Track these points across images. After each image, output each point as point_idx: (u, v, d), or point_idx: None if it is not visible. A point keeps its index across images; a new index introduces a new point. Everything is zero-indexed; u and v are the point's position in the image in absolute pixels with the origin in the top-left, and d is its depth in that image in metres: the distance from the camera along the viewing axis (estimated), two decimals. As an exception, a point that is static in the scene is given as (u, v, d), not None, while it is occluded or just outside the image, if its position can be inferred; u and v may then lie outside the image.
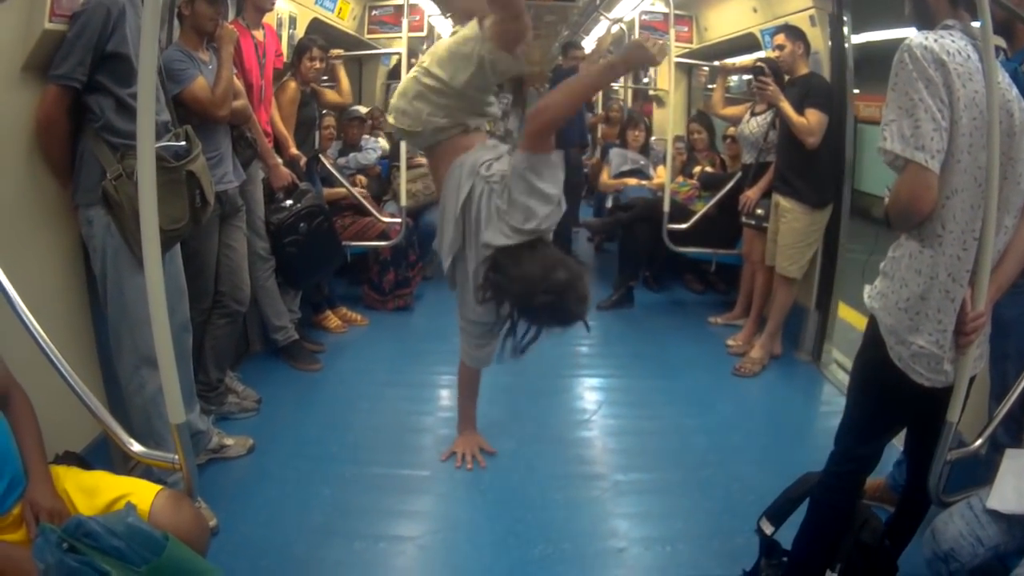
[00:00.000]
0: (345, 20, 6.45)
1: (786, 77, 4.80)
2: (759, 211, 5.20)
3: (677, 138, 6.97)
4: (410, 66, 5.20)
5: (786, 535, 2.69)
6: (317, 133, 5.42)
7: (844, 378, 4.51)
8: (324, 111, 5.77)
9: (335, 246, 5.03)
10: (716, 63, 6.24)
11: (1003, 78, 2.14)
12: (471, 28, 3.18)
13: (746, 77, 7.44)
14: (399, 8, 6.45)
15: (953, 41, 2.07)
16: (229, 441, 3.63)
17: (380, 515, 3.29)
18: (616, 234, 6.51)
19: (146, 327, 1.98)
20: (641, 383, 4.72)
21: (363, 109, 6.70)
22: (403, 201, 5.64)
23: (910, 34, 2.12)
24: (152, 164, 1.82)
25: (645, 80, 9.80)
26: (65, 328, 2.89)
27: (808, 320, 5.09)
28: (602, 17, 8.69)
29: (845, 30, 4.77)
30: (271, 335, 4.71)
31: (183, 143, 2.96)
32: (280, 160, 4.54)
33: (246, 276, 4.08)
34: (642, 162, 7.17)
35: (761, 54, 5.65)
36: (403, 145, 5.60)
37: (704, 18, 7.18)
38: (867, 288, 2.39)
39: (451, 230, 3.28)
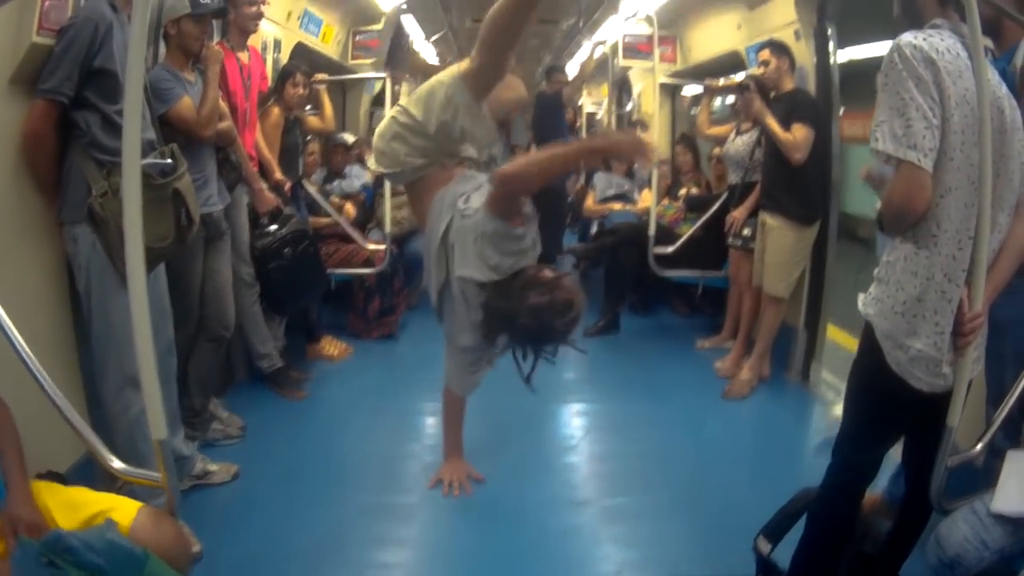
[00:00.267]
0: (329, 44, 6.44)
1: (771, 94, 4.81)
2: (746, 231, 5.19)
3: (662, 161, 6.98)
4: (394, 93, 5.24)
5: (783, 553, 2.65)
6: (301, 159, 5.38)
7: (834, 397, 4.52)
8: (309, 137, 5.75)
9: (320, 272, 4.98)
10: (703, 83, 6.21)
11: (992, 76, 2.15)
12: (449, 72, 3.22)
13: (729, 101, 7.53)
14: (383, 33, 6.49)
15: (942, 40, 2.08)
16: (213, 467, 3.55)
17: (369, 542, 3.23)
18: (602, 259, 6.49)
19: (131, 347, 1.94)
20: (629, 407, 4.67)
21: (349, 137, 6.68)
22: (388, 228, 5.61)
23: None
24: (138, 180, 1.81)
25: (628, 106, 9.85)
26: (48, 347, 2.82)
27: (797, 340, 5.06)
28: (584, 41, 8.73)
29: (830, 44, 4.81)
30: (256, 362, 4.64)
31: (169, 161, 2.94)
32: (265, 185, 4.51)
33: (231, 300, 4.03)
34: (627, 186, 7.19)
35: (744, 74, 5.64)
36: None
37: (687, 39, 7.21)
38: (861, 296, 2.38)
39: (434, 264, 3.31)
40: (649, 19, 6.16)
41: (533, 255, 3.19)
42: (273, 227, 4.53)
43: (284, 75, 4.93)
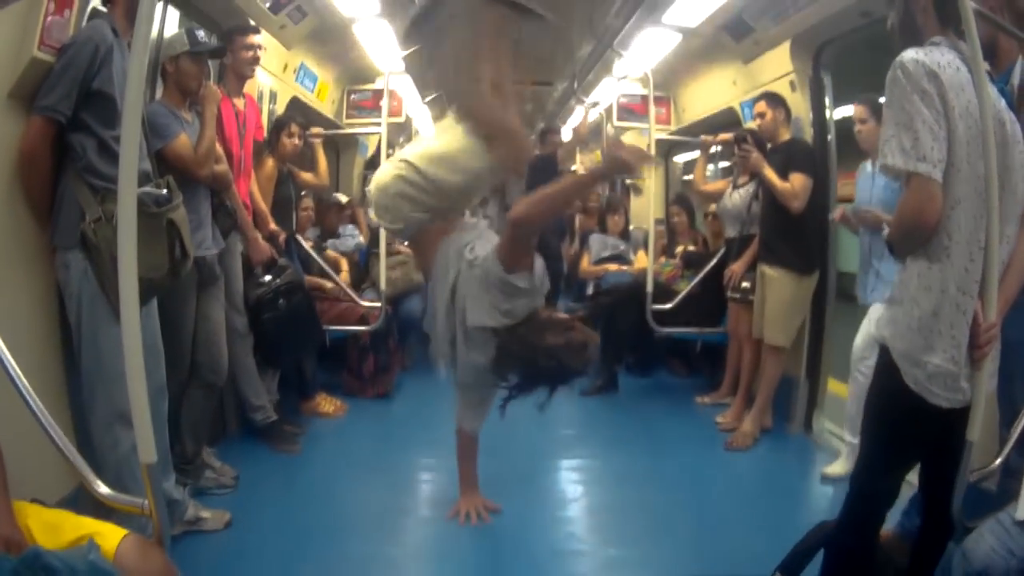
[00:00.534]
0: (324, 103, 6.50)
1: (768, 145, 4.84)
2: (745, 284, 5.17)
3: (657, 221, 6.99)
4: (388, 154, 5.24)
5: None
6: (295, 213, 5.37)
7: (838, 445, 4.43)
8: (303, 192, 5.75)
9: (314, 325, 4.91)
10: (699, 139, 6.23)
11: (991, 90, 2.18)
12: (469, 141, 3.26)
13: (723, 165, 7.57)
14: (378, 93, 6.55)
15: (942, 55, 2.12)
16: (206, 514, 3.44)
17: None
18: (598, 319, 6.45)
19: (121, 380, 1.89)
20: (630, 462, 4.58)
21: (343, 197, 6.69)
22: (383, 286, 5.57)
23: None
24: (133, 206, 1.78)
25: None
26: (36, 378, 2.67)
27: (798, 390, 5.01)
28: (578, 105, 8.79)
29: (827, 94, 4.86)
30: (249, 414, 4.53)
31: (164, 192, 2.90)
32: (259, 234, 4.46)
33: (224, 347, 3.96)
34: (622, 247, 7.17)
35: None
36: (383, 232, 5.54)
37: (681, 98, 7.26)
38: (875, 322, 2.39)
39: (443, 314, 3.36)
40: (645, 78, 6.21)
41: (543, 294, 3.27)
42: (267, 277, 4.48)
43: (279, 125, 4.96)
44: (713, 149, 6.43)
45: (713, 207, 6.11)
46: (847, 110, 4.42)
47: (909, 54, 2.12)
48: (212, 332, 3.87)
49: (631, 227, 7.65)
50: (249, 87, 4.52)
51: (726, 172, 7.57)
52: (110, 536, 1.99)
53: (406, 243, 4.59)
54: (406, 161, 3.33)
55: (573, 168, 10.12)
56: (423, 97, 8.02)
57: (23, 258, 2.80)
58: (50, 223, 2.81)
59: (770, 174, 4.63)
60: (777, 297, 4.71)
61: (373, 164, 8.02)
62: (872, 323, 4.01)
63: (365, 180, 8.15)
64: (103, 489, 2.07)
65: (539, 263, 3.23)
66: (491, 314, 3.17)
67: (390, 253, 5.74)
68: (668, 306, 5.81)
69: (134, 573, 1.89)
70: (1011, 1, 2.56)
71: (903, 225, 2.19)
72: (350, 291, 5.74)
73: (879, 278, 3.92)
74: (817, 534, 2.61)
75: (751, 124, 5.17)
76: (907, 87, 2.08)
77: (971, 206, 2.10)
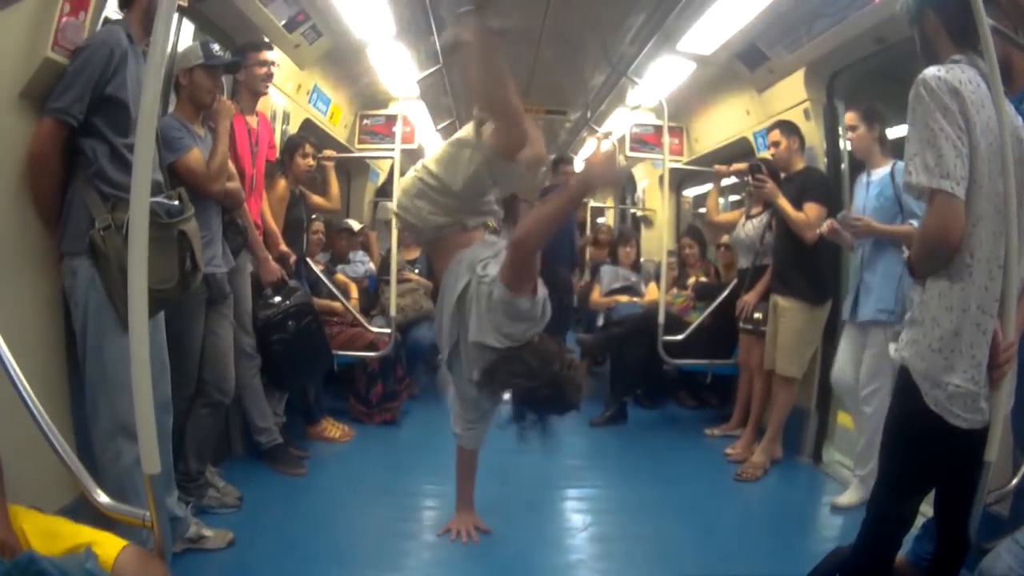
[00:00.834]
0: (336, 126, 6.51)
1: (782, 175, 4.82)
2: (757, 315, 5.14)
3: (669, 252, 6.96)
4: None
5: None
6: (306, 236, 5.35)
7: (848, 476, 4.39)
8: (314, 216, 5.73)
9: (323, 348, 4.85)
10: (712, 168, 6.22)
11: (1009, 107, 2.20)
12: (467, 131, 3.35)
13: (733, 199, 7.55)
14: (391, 119, 6.55)
15: (963, 72, 2.13)
16: (208, 532, 3.38)
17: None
18: (608, 350, 6.41)
19: (125, 392, 1.88)
20: (639, 492, 4.53)
21: (355, 224, 6.68)
22: (393, 311, 5.54)
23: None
24: (145, 216, 1.77)
25: (633, 210, 9.89)
26: (39, 385, 2.64)
27: (808, 422, 4.97)
28: (591, 136, 8.78)
29: (840, 128, 4.85)
30: (254, 437, 4.49)
31: (176, 203, 2.88)
32: (270, 255, 4.44)
33: (231, 366, 3.93)
34: (633, 279, 7.14)
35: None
36: (393, 258, 5.56)
37: (694, 129, 7.26)
38: (892, 346, 2.38)
39: (447, 323, 3.41)
40: (658, 107, 6.21)
41: (543, 323, 3.30)
42: (277, 298, 4.45)
43: (292, 146, 4.96)
44: (725, 181, 6.40)
45: (726, 238, 6.12)
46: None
47: (931, 71, 2.13)
48: (220, 350, 3.84)
49: (642, 259, 7.62)
50: (262, 106, 4.52)
51: (735, 205, 7.55)
52: (109, 546, 1.95)
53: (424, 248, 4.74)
54: (424, 164, 3.42)
55: (584, 200, 10.14)
56: (436, 124, 8.04)
57: (29, 263, 2.77)
58: (58, 228, 2.78)
59: (784, 204, 4.61)
60: (789, 327, 4.68)
61: (384, 192, 8.05)
62: (850, 349, 4.09)
63: (376, 207, 8.17)
64: (103, 499, 2.03)
65: (541, 291, 3.27)
66: (493, 335, 3.21)
67: (400, 280, 5.72)
68: (679, 337, 5.78)
69: (133, 585, 1.84)
70: None
71: (926, 243, 2.18)
72: (359, 316, 5.71)
73: (868, 294, 3.92)
74: (832, 560, 2.61)
75: (764, 154, 5.15)
76: (930, 104, 2.08)
77: (991, 223, 2.10)
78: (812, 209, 4.52)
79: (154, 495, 1.90)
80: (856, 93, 4.84)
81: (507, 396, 3.34)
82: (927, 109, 2.08)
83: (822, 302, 4.63)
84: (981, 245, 2.11)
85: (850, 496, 4.12)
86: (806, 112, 4.95)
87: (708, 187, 6.43)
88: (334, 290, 5.70)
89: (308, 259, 5.49)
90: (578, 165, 8.19)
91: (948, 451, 2.26)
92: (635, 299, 6.91)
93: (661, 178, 6.69)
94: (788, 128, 4.78)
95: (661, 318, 5.68)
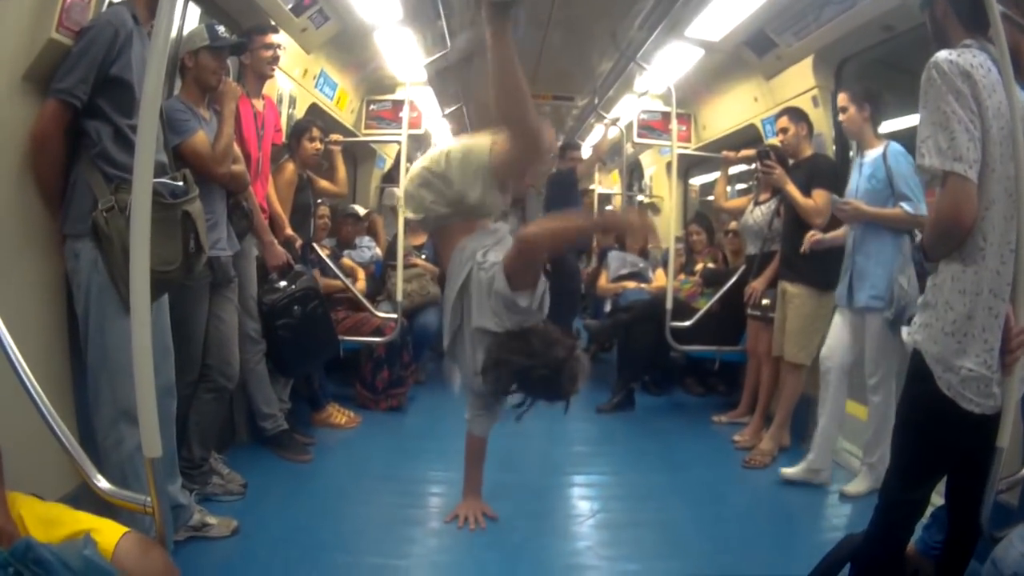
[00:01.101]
0: (343, 111, 6.49)
1: (790, 161, 4.78)
2: (765, 301, 5.12)
3: (676, 239, 6.94)
4: (407, 167, 5.24)
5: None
6: (312, 220, 5.33)
7: (855, 463, 4.39)
8: (319, 200, 5.71)
9: (329, 334, 4.83)
10: (720, 154, 6.18)
11: (1020, 92, 2.19)
12: (485, 139, 3.35)
13: (740, 187, 7.51)
14: (398, 104, 6.53)
15: (974, 56, 2.13)
16: (212, 520, 3.36)
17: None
18: (616, 337, 6.39)
19: (128, 376, 1.86)
20: (647, 478, 4.51)
21: (361, 209, 6.66)
22: (399, 296, 5.52)
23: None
24: (148, 195, 1.74)
25: (640, 196, 9.85)
26: (41, 370, 2.62)
27: (815, 409, 4.86)
28: (598, 123, 8.75)
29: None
30: (259, 423, 4.46)
31: (180, 183, 2.84)
32: (275, 239, 4.42)
33: (236, 351, 3.91)
34: (641, 265, 7.13)
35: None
36: (400, 243, 5.55)
37: (702, 116, 7.24)
38: (904, 329, 2.37)
39: (450, 311, 3.48)
40: (666, 94, 6.17)
41: (541, 315, 3.35)
42: (282, 283, 4.43)
43: (300, 130, 4.94)
44: (733, 169, 6.35)
45: (734, 224, 6.10)
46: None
47: (943, 55, 2.12)
48: (224, 335, 3.82)
49: (650, 245, 7.60)
50: (268, 89, 4.50)
51: (743, 193, 7.51)
52: (109, 533, 1.93)
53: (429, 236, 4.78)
54: (432, 156, 3.45)
55: (592, 187, 10.10)
56: (443, 110, 8.01)
57: (31, 245, 2.74)
58: (61, 210, 2.76)
59: (792, 190, 4.57)
60: (797, 314, 4.65)
61: (390, 177, 8.03)
62: (842, 331, 4.10)
63: (382, 193, 8.14)
64: (104, 484, 2.01)
65: (542, 285, 3.30)
66: (493, 319, 3.27)
67: (407, 266, 5.71)
68: (687, 324, 5.76)
69: (134, 572, 1.82)
70: None
71: (939, 226, 2.17)
72: (365, 301, 5.70)
73: (863, 279, 3.91)
74: (844, 547, 2.61)
75: (773, 140, 5.12)
76: (942, 87, 2.08)
77: (1002, 207, 2.11)
78: (820, 196, 4.48)
79: (155, 481, 1.88)
80: (865, 81, 4.79)
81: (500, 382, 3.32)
82: (939, 92, 2.08)
83: (830, 288, 4.56)
84: (994, 229, 2.11)
85: (858, 485, 4.11)
86: (814, 99, 4.93)
87: (715, 174, 6.40)
88: (340, 276, 5.69)
89: (314, 244, 5.48)
90: (585, 151, 8.17)
91: (960, 436, 2.26)
92: (642, 285, 6.90)
93: (669, 165, 6.63)
94: (797, 115, 4.74)
95: (669, 304, 5.65)
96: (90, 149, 2.71)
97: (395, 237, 5.82)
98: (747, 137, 6.17)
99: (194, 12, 4.13)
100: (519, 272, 3.17)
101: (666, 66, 6.19)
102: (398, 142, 5.92)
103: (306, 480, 4.24)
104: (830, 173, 4.61)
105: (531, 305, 3.24)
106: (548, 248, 3.28)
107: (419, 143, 7.91)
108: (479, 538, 3.58)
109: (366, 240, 6.53)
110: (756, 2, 4.77)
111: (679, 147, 6.35)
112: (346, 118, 6.64)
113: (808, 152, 4.74)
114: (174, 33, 3.58)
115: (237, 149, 3.74)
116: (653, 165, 9.39)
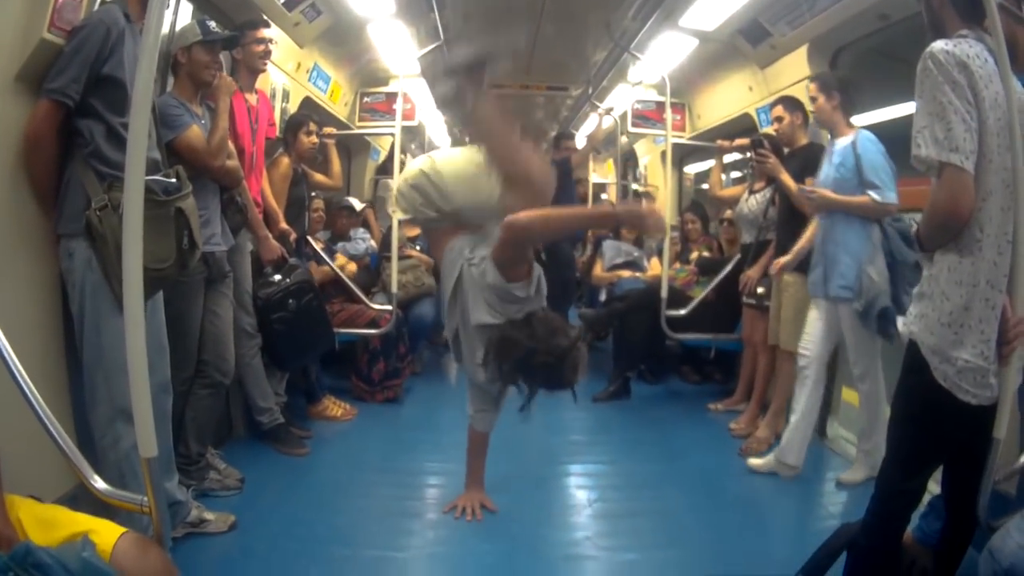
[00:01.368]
0: (336, 104, 6.49)
1: (785, 150, 4.77)
2: (760, 290, 5.11)
3: (671, 228, 6.94)
4: (402, 163, 5.24)
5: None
6: (307, 214, 5.33)
7: (852, 451, 4.41)
8: (314, 193, 5.71)
9: (325, 327, 4.82)
10: (714, 144, 6.18)
11: (1017, 84, 2.19)
12: (493, 175, 3.28)
13: (735, 176, 7.50)
14: (391, 96, 6.53)
15: (971, 46, 2.12)
16: (209, 516, 3.36)
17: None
18: (611, 325, 6.39)
19: (123, 375, 1.84)
20: (643, 467, 4.53)
21: (356, 202, 6.64)
22: (394, 289, 5.52)
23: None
24: (140, 193, 1.74)
25: (635, 186, 9.84)
26: (36, 370, 2.61)
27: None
28: (592, 112, 8.74)
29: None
30: (255, 417, 4.46)
31: (173, 180, 2.83)
32: (270, 233, 4.41)
33: (231, 346, 3.90)
34: (636, 254, 7.14)
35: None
36: (394, 235, 5.56)
37: (696, 105, 7.24)
38: (900, 320, 2.38)
39: (447, 311, 3.48)
40: (660, 83, 6.15)
41: (537, 304, 3.32)
42: (277, 277, 4.42)
43: (296, 124, 4.93)
44: (727, 157, 6.37)
45: (729, 213, 6.11)
46: (864, 116, 4.38)
47: (938, 45, 2.11)
48: (220, 330, 3.81)
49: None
50: (262, 84, 4.48)
51: (737, 181, 7.51)
52: (106, 534, 1.92)
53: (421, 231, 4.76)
54: (433, 160, 3.44)
55: (586, 176, 10.08)
56: (437, 105, 8.01)
57: (26, 245, 2.74)
58: (55, 210, 2.76)
59: (787, 179, 4.56)
60: (792, 301, 4.63)
61: (385, 169, 8.02)
62: (817, 321, 4.09)
63: (376, 185, 8.13)
64: (100, 485, 2.02)
65: (536, 271, 3.29)
66: (488, 312, 3.26)
67: (402, 257, 5.70)
68: (682, 312, 5.76)
69: (132, 572, 1.82)
70: None
71: (935, 217, 2.17)
72: (361, 294, 5.69)
73: (835, 268, 3.91)
74: (841, 536, 2.61)
75: (768, 129, 5.12)
76: (938, 77, 2.07)
77: (999, 198, 2.11)
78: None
79: (152, 480, 1.88)
80: (860, 70, 4.80)
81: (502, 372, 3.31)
82: (935, 82, 2.07)
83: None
84: (991, 220, 2.11)
85: (855, 473, 4.13)
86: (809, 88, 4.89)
87: (710, 163, 6.39)
88: (335, 268, 5.67)
89: (309, 237, 5.48)
90: (580, 141, 8.15)
91: (957, 427, 2.27)
92: (638, 274, 6.91)
93: (663, 154, 6.65)
94: (791, 104, 4.71)
95: (664, 293, 5.65)
96: (83, 148, 2.70)
97: (390, 228, 5.82)
98: (742, 126, 6.16)
99: (186, 8, 4.12)
100: (509, 261, 3.16)
101: (660, 55, 6.19)
102: (392, 134, 5.90)
103: (303, 474, 4.24)
104: (824, 160, 4.58)
105: (528, 293, 3.24)
106: (538, 235, 3.27)
107: (413, 135, 7.91)
108: (477, 529, 3.59)
109: (361, 232, 6.51)
110: (750, -9, 4.74)
111: (673, 136, 6.36)
112: (340, 111, 6.64)
113: (803, 141, 4.72)
114: (166, 30, 3.58)
115: (231, 144, 3.73)
116: (648, 154, 9.39)
